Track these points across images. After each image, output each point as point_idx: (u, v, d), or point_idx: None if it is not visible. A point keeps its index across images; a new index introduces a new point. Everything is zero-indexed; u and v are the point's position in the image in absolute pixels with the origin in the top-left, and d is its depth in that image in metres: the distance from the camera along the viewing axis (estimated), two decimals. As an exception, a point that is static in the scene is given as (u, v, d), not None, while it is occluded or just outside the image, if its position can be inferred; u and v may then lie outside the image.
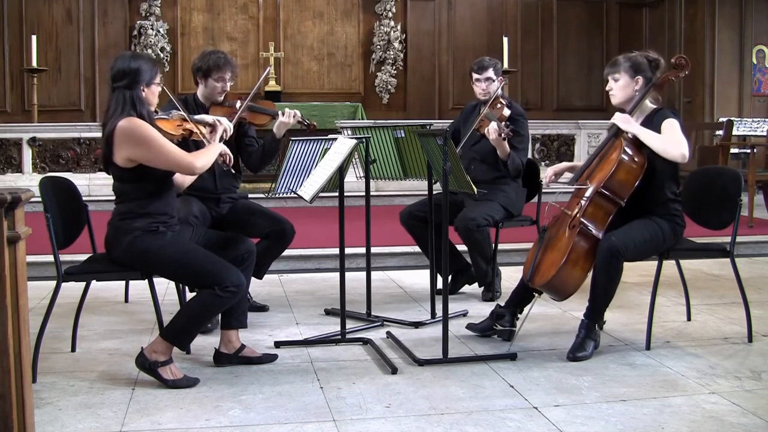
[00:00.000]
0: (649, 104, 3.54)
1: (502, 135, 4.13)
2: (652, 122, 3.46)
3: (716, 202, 3.67)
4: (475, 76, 4.52)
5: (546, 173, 3.67)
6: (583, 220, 3.35)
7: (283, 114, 4.04)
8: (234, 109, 4.02)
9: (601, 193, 3.37)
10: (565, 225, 3.43)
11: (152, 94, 3.17)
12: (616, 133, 3.49)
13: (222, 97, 4.09)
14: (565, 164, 3.74)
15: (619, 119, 3.47)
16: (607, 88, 3.60)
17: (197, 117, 3.48)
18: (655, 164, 3.39)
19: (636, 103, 3.50)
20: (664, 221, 3.46)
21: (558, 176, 3.66)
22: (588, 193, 3.38)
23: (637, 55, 3.54)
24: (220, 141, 3.37)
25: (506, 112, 4.37)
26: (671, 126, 3.40)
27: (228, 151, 3.37)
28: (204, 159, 3.15)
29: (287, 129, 4.09)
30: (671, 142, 3.34)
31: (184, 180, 3.38)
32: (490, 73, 4.48)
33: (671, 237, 3.48)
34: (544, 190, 4.51)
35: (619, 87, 3.52)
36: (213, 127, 3.40)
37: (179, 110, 3.40)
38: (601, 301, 3.41)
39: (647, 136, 3.38)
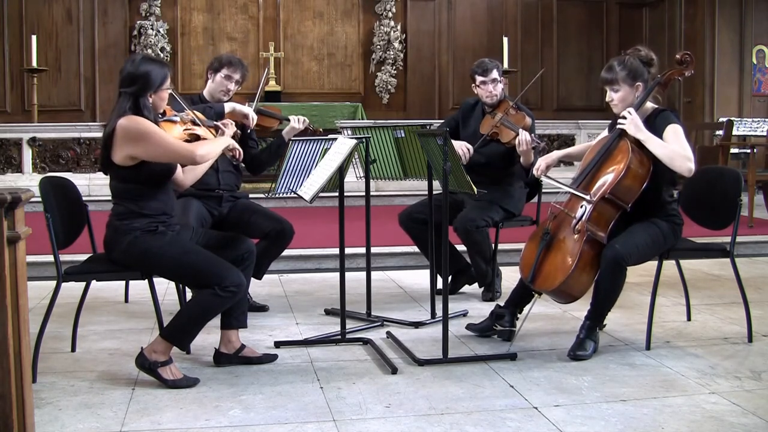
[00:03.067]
0: (649, 104, 3.51)
1: (537, 148, 4.12)
2: (653, 124, 3.41)
3: (716, 202, 3.66)
4: (479, 78, 4.38)
5: (537, 164, 3.59)
6: (588, 226, 3.33)
7: (297, 121, 4.13)
8: None
9: (607, 199, 3.34)
10: (568, 228, 3.40)
11: (161, 99, 3.14)
12: (621, 134, 3.43)
13: (227, 98, 4.12)
14: (556, 154, 3.68)
15: (628, 124, 3.38)
16: (607, 99, 3.52)
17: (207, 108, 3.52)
18: (657, 168, 3.36)
19: (638, 107, 3.44)
20: (663, 222, 3.45)
21: (550, 167, 3.60)
22: (593, 199, 3.35)
23: (630, 58, 3.45)
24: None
25: (528, 121, 4.30)
26: (675, 134, 3.34)
27: (236, 145, 3.36)
28: (206, 148, 3.11)
29: (295, 134, 4.17)
30: (679, 154, 3.28)
31: (185, 179, 3.36)
32: (495, 74, 4.37)
33: (672, 237, 3.48)
34: (544, 190, 4.50)
35: (620, 98, 3.46)
36: (224, 126, 3.45)
37: (186, 111, 3.41)
38: (604, 306, 3.40)
39: (655, 146, 3.32)
